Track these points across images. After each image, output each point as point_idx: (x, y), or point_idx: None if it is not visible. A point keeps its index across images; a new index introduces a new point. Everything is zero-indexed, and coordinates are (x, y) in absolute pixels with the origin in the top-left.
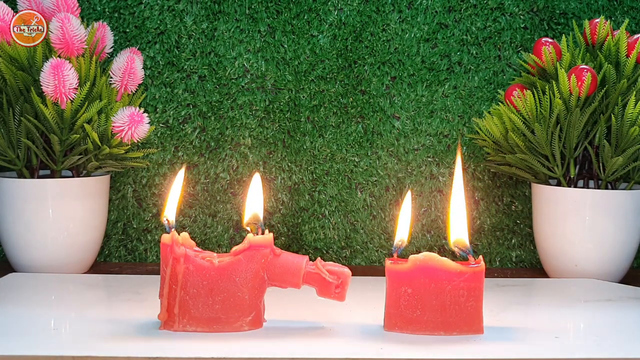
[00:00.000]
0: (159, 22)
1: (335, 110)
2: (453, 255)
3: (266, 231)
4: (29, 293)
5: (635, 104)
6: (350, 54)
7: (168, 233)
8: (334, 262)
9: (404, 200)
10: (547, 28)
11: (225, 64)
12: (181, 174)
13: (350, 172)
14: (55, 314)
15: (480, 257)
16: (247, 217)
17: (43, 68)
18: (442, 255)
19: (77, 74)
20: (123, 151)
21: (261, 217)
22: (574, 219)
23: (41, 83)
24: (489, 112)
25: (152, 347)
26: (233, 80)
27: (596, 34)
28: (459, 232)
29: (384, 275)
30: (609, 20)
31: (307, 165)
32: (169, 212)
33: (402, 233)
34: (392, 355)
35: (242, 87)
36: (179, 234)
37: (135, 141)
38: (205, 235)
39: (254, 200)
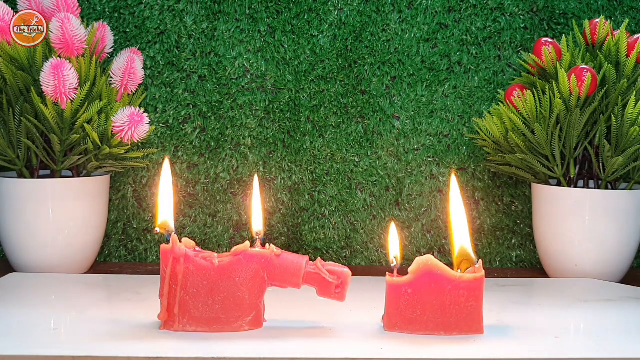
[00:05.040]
0: (159, 22)
1: (335, 110)
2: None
3: (267, 245)
4: (29, 293)
5: (635, 104)
6: (350, 54)
7: (168, 242)
8: (334, 262)
9: (389, 230)
10: (547, 28)
11: (225, 64)
12: (167, 169)
13: (350, 172)
14: (55, 314)
15: (480, 263)
16: (254, 227)
17: (43, 68)
18: (442, 255)
19: (77, 74)
20: (123, 151)
21: (261, 229)
22: (574, 219)
23: (41, 83)
24: (489, 112)
25: (152, 347)
26: (233, 80)
27: (596, 34)
28: (462, 241)
29: (384, 275)
30: (609, 20)
31: (307, 165)
32: (166, 219)
33: (393, 252)
34: (392, 355)
35: (242, 87)
36: (179, 240)
37: (135, 141)
38: (205, 235)
39: (258, 207)
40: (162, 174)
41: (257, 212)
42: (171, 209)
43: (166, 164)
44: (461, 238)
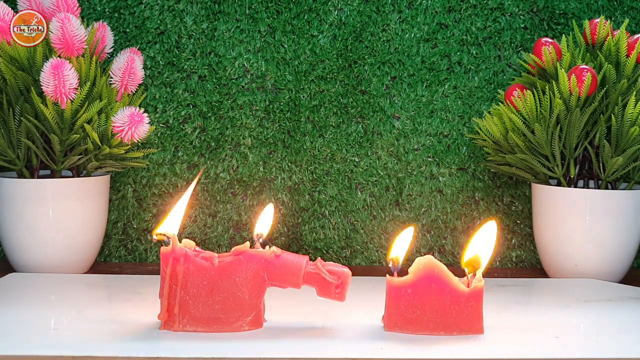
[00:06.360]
0: (159, 22)
1: (335, 110)
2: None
3: (268, 247)
4: (29, 293)
5: (635, 104)
6: (350, 54)
7: (167, 244)
8: (334, 262)
9: (402, 232)
10: (547, 28)
11: (225, 64)
12: (192, 185)
13: (350, 172)
14: (55, 314)
15: (480, 274)
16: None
17: (43, 68)
18: (442, 255)
19: (77, 74)
20: (123, 151)
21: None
22: (574, 219)
23: (41, 83)
24: (489, 112)
25: (152, 347)
26: (233, 80)
27: (596, 34)
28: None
29: (384, 275)
30: (609, 20)
31: (307, 165)
32: (170, 227)
33: (396, 252)
34: (392, 355)
35: (242, 87)
36: (179, 240)
37: (135, 141)
38: (205, 235)
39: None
40: (190, 187)
41: (265, 218)
42: (179, 223)
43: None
44: (482, 250)
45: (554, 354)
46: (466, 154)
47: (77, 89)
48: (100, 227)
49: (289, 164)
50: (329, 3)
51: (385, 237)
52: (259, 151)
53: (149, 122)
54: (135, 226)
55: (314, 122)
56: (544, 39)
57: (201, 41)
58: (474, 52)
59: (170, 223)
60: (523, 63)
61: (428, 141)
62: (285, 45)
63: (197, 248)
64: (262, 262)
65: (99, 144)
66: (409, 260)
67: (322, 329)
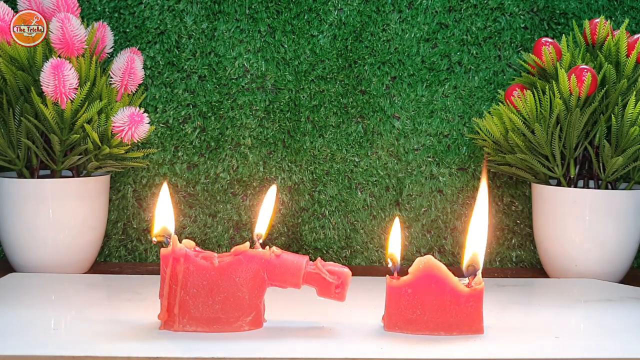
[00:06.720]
0: (159, 22)
1: (335, 110)
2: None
3: (269, 247)
4: (29, 293)
5: (635, 104)
6: (350, 54)
7: (167, 245)
8: (334, 262)
9: (392, 226)
10: (547, 28)
11: (225, 64)
12: (165, 190)
13: (350, 172)
14: (55, 314)
15: (479, 275)
16: (256, 229)
17: (43, 68)
18: (442, 255)
19: (77, 74)
20: (123, 151)
21: (263, 232)
22: (574, 219)
23: (41, 83)
24: (489, 112)
25: (152, 347)
26: (233, 80)
27: (596, 34)
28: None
29: (384, 275)
30: (609, 20)
31: (307, 165)
32: (165, 225)
33: (393, 250)
34: (392, 355)
35: (242, 87)
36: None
37: (135, 141)
38: (205, 235)
39: (266, 213)
40: (160, 198)
41: (263, 218)
42: (172, 221)
43: (164, 188)
44: (477, 245)
45: (554, 354)
46: (466, 154)
47: (77, 89)
48: (100, 227)
49: (289, 164)
50: (329, 3)
51: (385, 237)
52: (259, 151)
53: (149, 122)
54: (135, 226)
55: (314, 122)
56: (544, 39)
57: (201, 41)
58: (474, 52)
59: (163, 222)
60: (523, 63)
61: (428, 141)
62: (285, 45)
63: (197, 248)
64: (262, 262)
65: (99, 144)
66: (409, 260)
67: (322, 329)
